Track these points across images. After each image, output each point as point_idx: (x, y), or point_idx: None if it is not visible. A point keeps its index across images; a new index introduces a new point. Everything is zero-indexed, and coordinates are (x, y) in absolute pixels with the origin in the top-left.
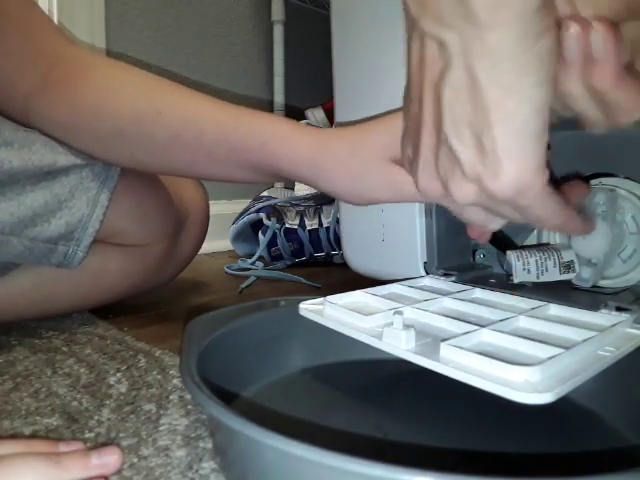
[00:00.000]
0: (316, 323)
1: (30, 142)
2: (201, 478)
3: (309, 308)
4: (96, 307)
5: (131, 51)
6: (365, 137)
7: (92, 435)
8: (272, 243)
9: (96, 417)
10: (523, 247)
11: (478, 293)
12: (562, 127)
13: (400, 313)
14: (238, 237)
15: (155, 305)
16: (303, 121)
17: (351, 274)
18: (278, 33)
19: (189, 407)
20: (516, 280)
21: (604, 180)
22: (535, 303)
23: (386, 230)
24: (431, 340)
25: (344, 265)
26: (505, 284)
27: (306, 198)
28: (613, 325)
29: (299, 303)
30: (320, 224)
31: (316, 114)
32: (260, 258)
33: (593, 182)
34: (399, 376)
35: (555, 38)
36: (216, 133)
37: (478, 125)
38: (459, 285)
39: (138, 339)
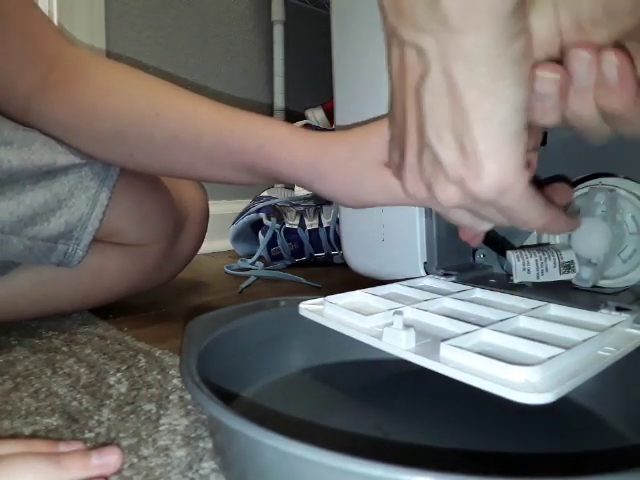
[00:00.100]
0: (316, 323)
1: (29, 141)
2: (201, 478)
3: (309, 308)
4: (96, 307)
5: (131, 51)
6: (365, 140)
7: (92, 435)
8: (272, 243)
9: (96, 417)
10: (523, 247)
11: (478, 293)
12: (562, 128)
13: (400, 313)
14: (238, 237)
15: (155, 305)
16: (303, 121)
17: (351, 274)
18: (278, 33)
19: (189, 407)
20: (516, 280)
21: (604, 180)
22: (535, 303)
23: (386, 230)
24: (431, 340)
25: (344, 265)
26: (505, 284)
27: (306, 198)
28: (613, 325)
29: (299, 303)
30: (320, 224)
31: (316, 114)
32: (260, 258)
33: (593, 182)
34: (399, 376)
35: (529, 39)
36: (214, 135)
37: (458, 127)
38: (459, 285)
39: (138, 339)
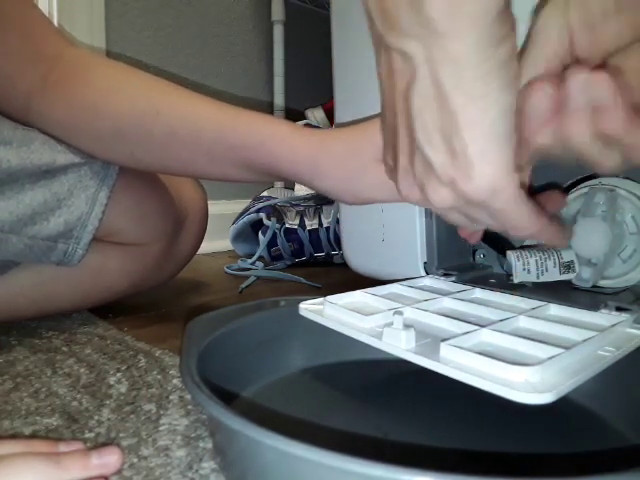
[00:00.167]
0: (316, 323)
1: (29, 141)
2: (201, 478)
3: (309, 308)
4: (96, 306)
5: (131, 51)
6: (363, 137)
7: (92, 435)
8: (272, 243)
9: (96, 417)
10: (523, 247)
11: (478, 293)
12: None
13: (400, 313)
14: (238, 237)
15: (155, 305)
16: (303, 121)
17: (351, 274)
18: (278, 33)
19: (189, 407)
20: (516, 280)
21: (604, 180)
22: (535, 303)
23: (386, 230)
24: (431, 340)
25: (344, 265)
26: (505, 284)
27: (306, 198)
28: (613, 325)
29: (299, 303)
30: (320, 224)
31: (316, 114)
32: (260, 258)
33: (593, 182)
34: (399, 376)
35: (515, 42)
36: (214, 132)
37: (447, 130)
38: (459, 285)
39: (138, 339)
